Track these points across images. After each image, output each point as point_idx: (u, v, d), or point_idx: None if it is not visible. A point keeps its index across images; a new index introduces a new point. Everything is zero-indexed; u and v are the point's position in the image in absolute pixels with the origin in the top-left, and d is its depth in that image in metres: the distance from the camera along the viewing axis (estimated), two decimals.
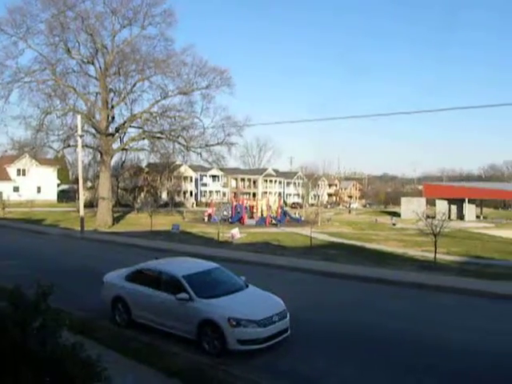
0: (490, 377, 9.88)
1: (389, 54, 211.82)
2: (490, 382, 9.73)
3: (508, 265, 25.65)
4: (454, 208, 73.33)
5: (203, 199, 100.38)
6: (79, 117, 41.76)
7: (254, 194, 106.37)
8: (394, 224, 56.82)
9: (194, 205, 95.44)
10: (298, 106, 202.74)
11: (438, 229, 25.32)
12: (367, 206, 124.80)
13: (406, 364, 10.50)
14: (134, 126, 54.05)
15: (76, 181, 57.93)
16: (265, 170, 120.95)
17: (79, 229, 38.56)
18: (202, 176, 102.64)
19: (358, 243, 35.32)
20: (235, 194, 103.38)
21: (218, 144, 53.95)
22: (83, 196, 43.65)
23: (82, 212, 39.36)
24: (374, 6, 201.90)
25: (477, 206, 78.14)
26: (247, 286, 12.53)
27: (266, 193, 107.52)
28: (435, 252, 25.26)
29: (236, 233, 36.82)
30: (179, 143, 53.88)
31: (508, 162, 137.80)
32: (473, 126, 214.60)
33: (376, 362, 10.60)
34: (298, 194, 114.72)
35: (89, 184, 79.77)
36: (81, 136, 41.25)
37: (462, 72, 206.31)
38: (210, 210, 59.45)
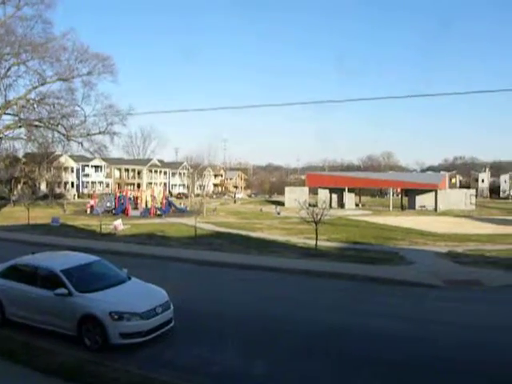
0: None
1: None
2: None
3: (382, 249, 27.24)
4: (334, 197, 76.47)
5: (85, 190, 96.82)
6: None
7: (139, 185, 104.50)
8: (278, 213, 58.15)
9: (76, 196, 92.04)
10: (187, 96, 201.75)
11: (318, 217, 26.38)
12: (252, 195, 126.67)
13: (289, 347, 10.87)
14: (9, 114, 50.98)
15: None
16: (149, 160, 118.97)
17: None
18: (83, 166, 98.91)
19: (243, 232, 35.81)
20: (119, 184, 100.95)
21: (99, 133, 52.63)
22: None
23: None
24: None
25: (356, 194, 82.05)
26: (130, 279, 12.36)
27: (150, 183, 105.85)
28: (316, 239, 26.30)
29: (119, 224, 36.12)
30: (59, 132, 51.81)
31: (384, 153, 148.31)
32: (354, 119, 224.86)
33: (259, 348, 10.88)
34: (184, 185, 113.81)
35: None
36: None
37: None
38: (92, 202, 57.50)
